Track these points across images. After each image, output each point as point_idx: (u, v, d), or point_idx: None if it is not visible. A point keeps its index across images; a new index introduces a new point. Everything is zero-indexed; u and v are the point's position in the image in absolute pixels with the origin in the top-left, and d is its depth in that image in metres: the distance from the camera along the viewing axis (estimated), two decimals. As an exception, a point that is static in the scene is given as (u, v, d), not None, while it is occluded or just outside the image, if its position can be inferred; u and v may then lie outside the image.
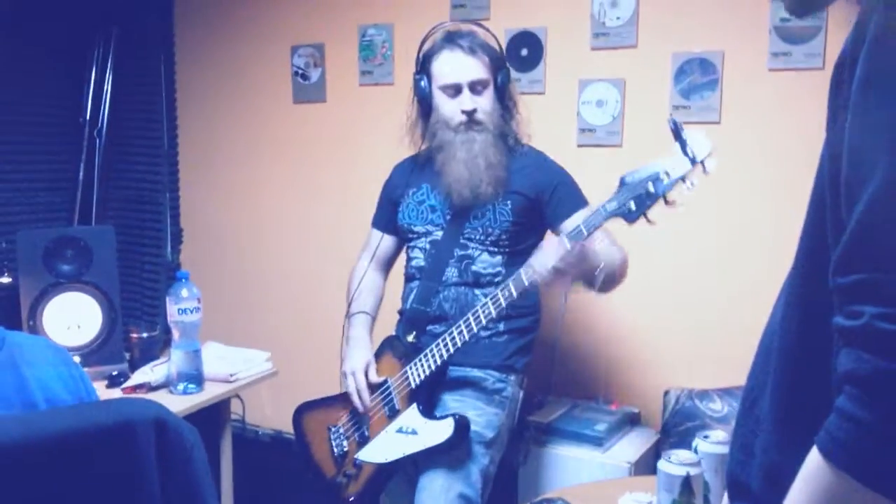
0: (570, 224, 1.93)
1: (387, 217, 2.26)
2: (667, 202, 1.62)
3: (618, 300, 2.45)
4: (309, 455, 2.21)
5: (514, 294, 1.83)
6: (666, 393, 2.31)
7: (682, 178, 1.59)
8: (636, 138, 2.41)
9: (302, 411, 2.25)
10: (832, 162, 0.78)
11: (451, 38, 2.05)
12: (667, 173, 1.60)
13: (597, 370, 2.54)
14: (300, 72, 2.96)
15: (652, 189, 1.62)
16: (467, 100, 2.02)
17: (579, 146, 2.49)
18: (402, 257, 2.28)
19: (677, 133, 1.57)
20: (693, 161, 1.57)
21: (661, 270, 2.43)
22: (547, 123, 2.49)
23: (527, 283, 1.81)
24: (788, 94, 2.22)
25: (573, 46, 2.48)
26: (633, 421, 2.43)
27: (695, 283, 2.39)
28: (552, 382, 2.54)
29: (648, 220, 1.66)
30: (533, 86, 2.53)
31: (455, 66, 2.03)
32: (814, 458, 0.74)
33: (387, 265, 2.33)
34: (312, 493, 2.26)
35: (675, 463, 1.37)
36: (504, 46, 2.52)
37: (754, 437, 0.88)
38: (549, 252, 1.75)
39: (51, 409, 1.23)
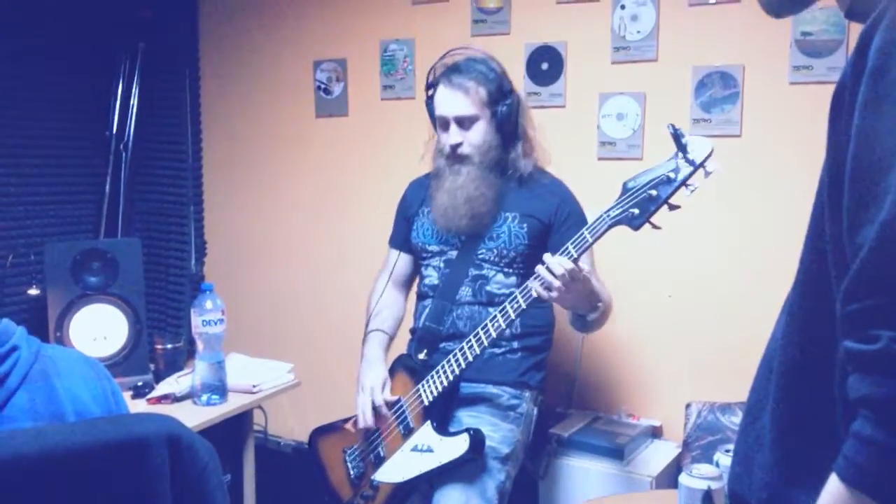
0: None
1: (402, 235, 2.27)
2: (671, 207, 1.62)
3: (639, 313, 2.46)
4: (326, 479, 2.21)
5: (524, 305, 1.83)
6: (688, 406, 2.30)
7: (685, 182, 1.60)
8: (656, 151, 2.41)
9: (317, 435, 2.25)
10: (832, 186, 0.78)
11: (447, 73, 2.07)
12: (669, 177, 1.60)
13: (618, 383, 2.54)
14: (323, 86, 2.99)
15: (655, 193, 1.61)
16: (453, 134, 2.05)
17: (600, 159, 2.50)
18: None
19: (677, 138, 1.58)
20: (694, 164, 1.58)
21: (683, 283, 2.43)
22: (567, 137, 2.51)
23: (534, 294, 1.81)
24: (810, 108, 2.21)
25: (593, 60, 2.49)
26: (654, 434, 2.43)
27: (717, 297, 2.39)
28: (573, 395, 2.54)
29: (654, 226, 1.65)
30: (553, 99, 2.55)
31: (444, 100, 2.05)
32: (834, 485, 0.73)
33: (406, 284, 2.32)
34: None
35: (696, 477, 1.37)
36: (524, 61, 2.56)
37: (754, 454, 0.88)
38: (552, 267, 1.75)
39: (63, 424, 1.21)
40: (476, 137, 2.05)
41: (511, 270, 2.07)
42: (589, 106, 2.50)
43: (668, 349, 2.46)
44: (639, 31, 2.41)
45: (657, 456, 2.30)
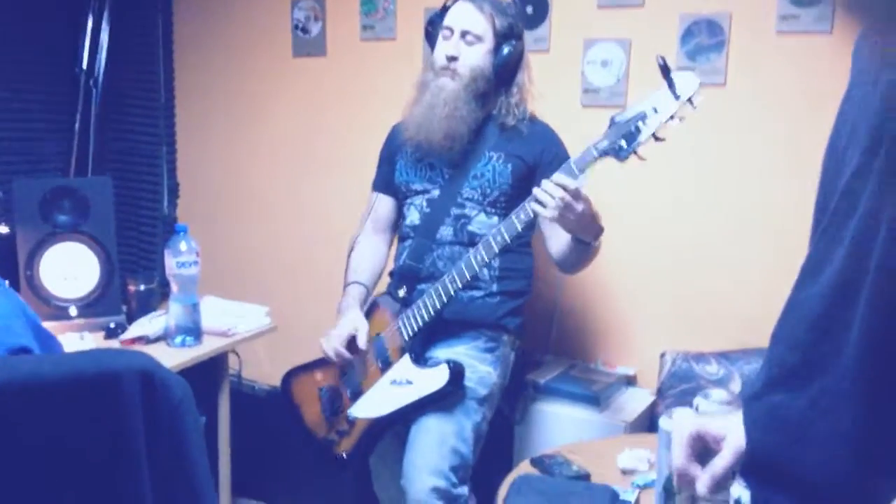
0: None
1: (385, 178, 2.24)
2: (657, 139, 1.66)
3: (617, 262, 2.45)
4: (300, 419, 2.21)
5: (507, 238, 1.84)
6: (662, 355, 2.32)
7: (671, 115, 1.63)
8: (640, 99, 2.38)
9: (290, 377, 2.24)
10: None
11: None
12: (655, 110, 1.64)
13: (595, 331, 2.55)
14: (300, 25, 2.91)
15: (641, 125, 1.65)
16: (454, 44, 2.02)
17: (583, 106, 2.46)
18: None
19: (665, 71, 1.61)
20: (680, 98, 1.62)
21: (661, 233, 2.42)
22: (551, 83, 2.46)
23: (531, 216, 1.81)
24: (796, 58, 2.19)
25: (579, 5, 2.44)
26: (629, 382, 2.45)
27: (695, 247, 2.39)
28: (550, 342, 2.55)
29: (640, 157, 1.68)
30: (537, 44, 2.50)
31: (459, 12, 2.04)
32: None
33: (390, 229, 2.29)
34: (308, 449, 2.27)
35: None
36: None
37: (814, 421, 0.81)
38: (548, 187, 1.75)
39: (33, 356, 1.20)
40: (474, 58, 2.02)
41: (493, 210, 2.05)
42: (573, 52, 2.46)
43: (645, 299, 2.47)
44: (626, -24, 2.37)
45: (632, 403, 2.32)
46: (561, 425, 2.24)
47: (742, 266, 2.31)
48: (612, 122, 1.70)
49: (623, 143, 1.66)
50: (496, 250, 1.86)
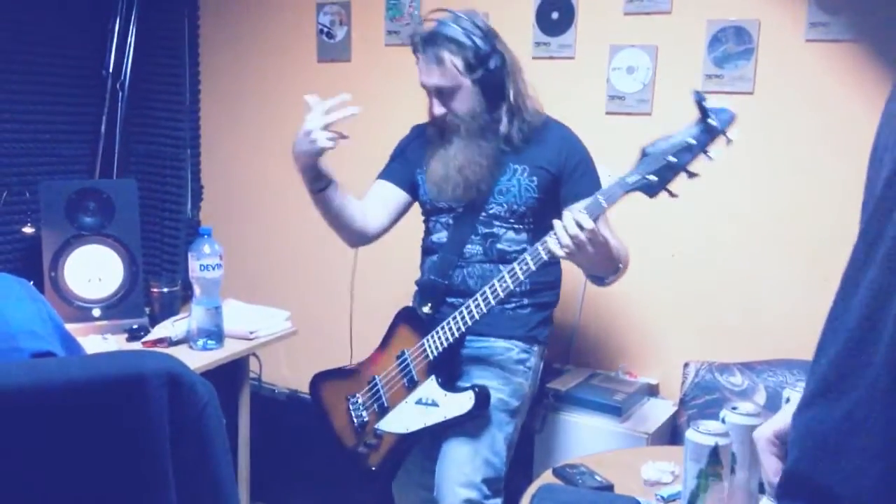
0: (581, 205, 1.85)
1: (393, 171, 2.20)
2: (689, 174, 1.59)
3: (641, 271, 2.43)
4: (329, 424, 2.20)
5: (533, 268, 1.80)
6: (686, 365, 2.29)
7: (705, 150, 1.57)
8: (666, 107, 2.37)
9: (319, 381, 2.22)
10: None
11: (422, 43, 1.96)
12: (689, 144, 1.57)
13: (616, 340, 2.53)
14: (325, 30, 2.92)
15: (674, 160, 1.58)
16: (436, 106, 1.99)
17: (608, 113, 2.45)
18: (420, 230, 2.22)
19: (700, 103, 1.55)
20: (716, 131, 1.55)
21: (686, 242, 2.40)
22: (576, 90, 2.46)
23: (545, 257, 1.77)
24: (826, 67, 2.17)
25: (605, 11, 2.43)
26: (651, 392, 2.42)
27: (720, 257, 2.36)
28: (571, 351, 2.53)
29: (671, 194, 1.62)
30: (562, 50, 2.49)
31: (423, 70, 1.98)
32: None
33: (376, 208, 2.19)
34: (327, 453, 2.26)
35: (703, 433, 1.35)
36: (534, 9, 2.49)
37: (847, 437, 0.77)
38: (567, 225, 1.70)
39: (59, 359, 1.20)
40: (460, 107, 1.97)
41: (522, 227, 2.03)
42: (599, 58, 2.45)
43: (668, 308, 2.45)
44: (653, -18, 2.35)
45: (654, 413, 2.30)
46: (581, 435, 2.22)
47: (767, 276, 2.29)
48: (644, 154, 1.63)
49: (654, 178, 1.60)
50: (521, 278, 1.83)
